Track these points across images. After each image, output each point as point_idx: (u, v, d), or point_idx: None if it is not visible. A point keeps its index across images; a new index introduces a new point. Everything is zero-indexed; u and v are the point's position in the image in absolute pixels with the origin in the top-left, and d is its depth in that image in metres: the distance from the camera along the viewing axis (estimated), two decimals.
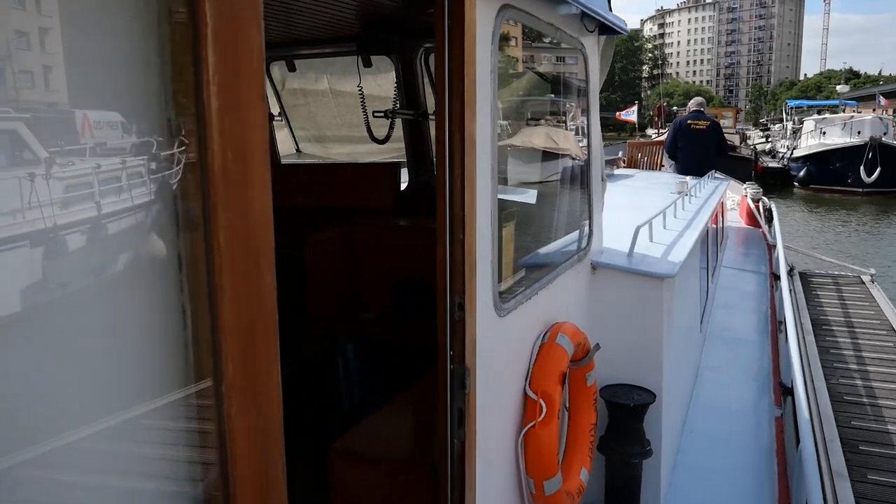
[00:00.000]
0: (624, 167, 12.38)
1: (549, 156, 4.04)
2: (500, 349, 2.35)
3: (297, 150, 5.47)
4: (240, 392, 1.04)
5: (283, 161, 5.34)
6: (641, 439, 3.34)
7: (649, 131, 42.30)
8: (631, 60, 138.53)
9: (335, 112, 5.24)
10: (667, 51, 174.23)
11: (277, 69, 5.08)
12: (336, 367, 3.95)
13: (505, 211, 2.41)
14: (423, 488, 2.40)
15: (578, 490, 2.85)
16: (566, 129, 4.23)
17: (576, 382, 3.01)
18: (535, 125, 4.32)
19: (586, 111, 3.63)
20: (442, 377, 2.07)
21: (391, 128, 4.47)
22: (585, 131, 3.75)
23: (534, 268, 3.00)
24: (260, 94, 1.04)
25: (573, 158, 4.12)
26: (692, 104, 10.90)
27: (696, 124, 10.27)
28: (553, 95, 4.03)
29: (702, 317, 5.72)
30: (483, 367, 2.14)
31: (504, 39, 2.82)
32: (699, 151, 10.05)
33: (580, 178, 3.84)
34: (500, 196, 2.37)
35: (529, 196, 3.80)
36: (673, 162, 10.66)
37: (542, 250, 3.35)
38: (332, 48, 4.73)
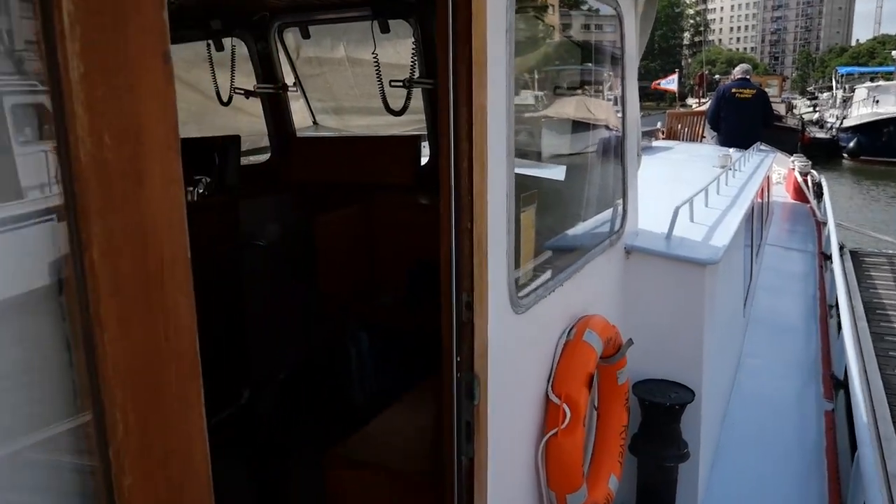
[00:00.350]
0: (663, 139, 11.83)
1: (579, 127, 3.70)
2: (516, 350, 2.07)
3: (314, 123, 5.21)
4: (136, 457, 0.77)
5: (299, 134, 5.09)
6: (678, 441, 3.05)
7: (690, 100, 41.02)
8: (671, 27, 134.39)
9: (352, 82, 4.94)
10: (709, 17, 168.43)
11: (291, 36, 4.81)
12: (348, 354, 3.72)
13: (525, 193, 2.10)
14: (430, 500, 2.15)
15: (606, 500, 2.58)
16: (598, 98, 3.88)
17: (606, 381, 2.71)
18: (564, 95, 3.99)
19: (621, 79, 3.27)
20: (447, 386, 1.80)
21: (408, 98, 4.16)
22: (620, 100, 3.40)
23: (559, 254, 2.69)
24: (159, 50, 0.75)
25: (607, 130, 3.78)
26: (737, 71, 10.30)
27: (741, 93, 9.71)
28: (583, 61, 3.68)
29: (745, 300, 5.34)
30: (496, 372, 1.86)
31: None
32: (744, 122, 9.50)
33: (614, 152, 3.50)
34: (521, 171, 2.08)
35: (555, 172, 3.48)
36: (715, 133, 10.12)
37: (570, 233, 3.03)
38: (346, 13, 4.43)
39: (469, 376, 1.76)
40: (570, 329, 2.45)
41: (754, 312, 5.82)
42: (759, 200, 6.55)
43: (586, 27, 3.52)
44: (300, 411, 3.35)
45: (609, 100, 3.81)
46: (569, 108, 3.81)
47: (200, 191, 4.19)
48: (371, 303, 3.92)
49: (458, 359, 1.76)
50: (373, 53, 4.13)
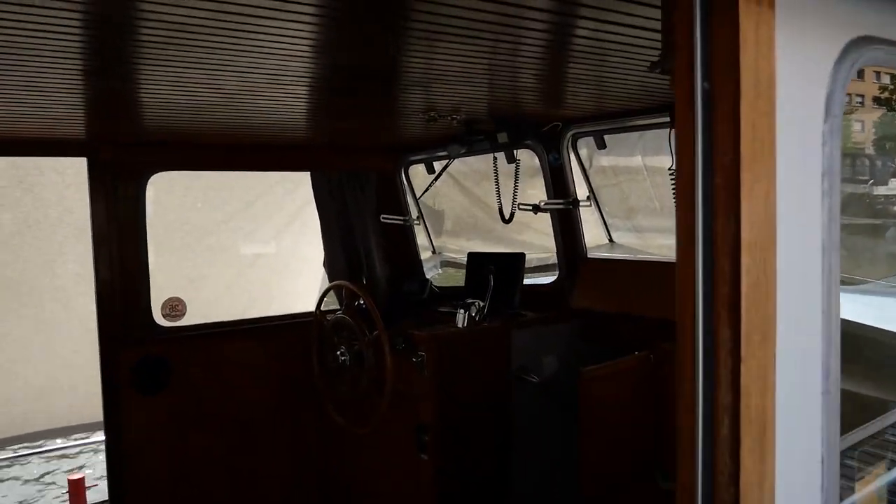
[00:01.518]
0: None
1: None
2: None
3: (610, 241, 4.60)
4: None
5: (591, 254, 4.51)
6: None
7: None
8: None
9: (652, 194, 4.24)
10: None
11: (585, 146, 4.34)
12: None
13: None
14: None
15: None
16: None
17: None
18: None
19: None
20: None
21: None
22: None
23: None
24: None
25: None
26: None
27: None
28: None
29: None
30: None
31: None
32: None
33: None
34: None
35: None
36: None
37: None
38: (646, 119, 3.81)
39: None
40: None
41: None
42: None
43: None
44: None
45: None
46: None
47: (472, 314, 3.88)
48: (651, 489, 3.04)
49: None
50: (669, 169, 3.39)
